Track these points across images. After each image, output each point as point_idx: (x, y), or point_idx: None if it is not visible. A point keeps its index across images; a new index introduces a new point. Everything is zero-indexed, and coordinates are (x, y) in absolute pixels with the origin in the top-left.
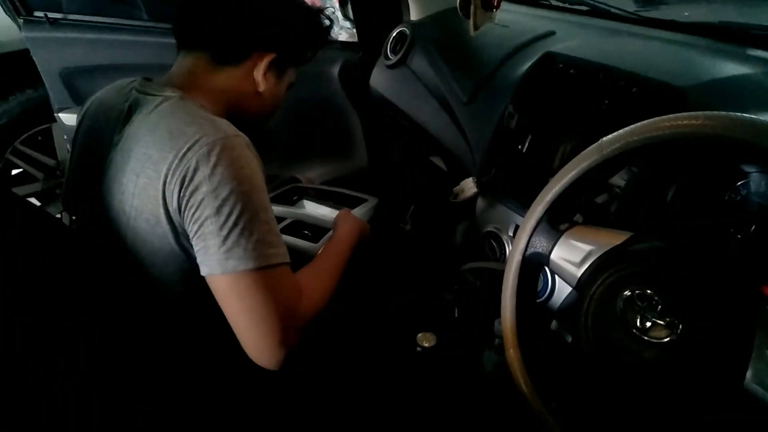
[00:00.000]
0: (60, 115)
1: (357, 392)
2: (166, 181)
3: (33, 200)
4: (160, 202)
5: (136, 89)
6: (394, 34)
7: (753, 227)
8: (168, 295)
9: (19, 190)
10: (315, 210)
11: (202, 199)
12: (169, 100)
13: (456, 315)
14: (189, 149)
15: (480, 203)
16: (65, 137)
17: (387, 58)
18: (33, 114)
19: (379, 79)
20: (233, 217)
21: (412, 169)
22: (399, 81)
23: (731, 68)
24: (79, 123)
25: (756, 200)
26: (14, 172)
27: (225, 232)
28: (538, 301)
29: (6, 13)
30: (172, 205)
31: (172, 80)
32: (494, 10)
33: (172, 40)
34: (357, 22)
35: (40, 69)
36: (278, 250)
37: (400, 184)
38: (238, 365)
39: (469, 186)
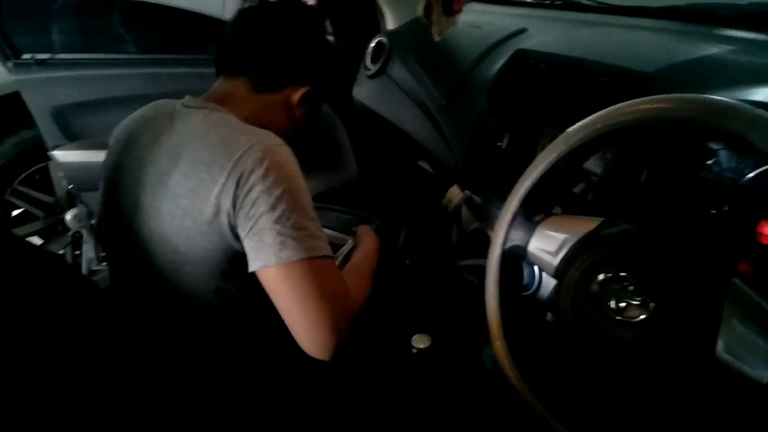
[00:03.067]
0: (54, 152)
1: (353, 393)
2: (221, 183)
3: (35, 239)
4: (212, 202)
5: (180, 103)
6: (373, 45)
7: (726, 204)
8: (205, 292)
9: (21, 230)
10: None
11: (257, 198)
12: (217, 111)
13: (452, 314)
14: (244, 154)
15: (466, 211)
16: (61, 174)
17: (367, 68)
18: (29, 154)
19: (360, 89)
20: (286, 213)
21: (402, 175)
22: (380, 90)
23: (700, 49)
24: (116, 138)
25: (729, 176)
26: (14, 213)
27: (279, 226)
28: (527, 293)
29: None
30: (226, 205)
31: (213, 97)
32: (455, 14)
33: (159, 70)
34: (336, 35)
35: (31, 110)
36: (326, 245)
37: (392, 192)
38: (244, 363)
39: (455, 194)
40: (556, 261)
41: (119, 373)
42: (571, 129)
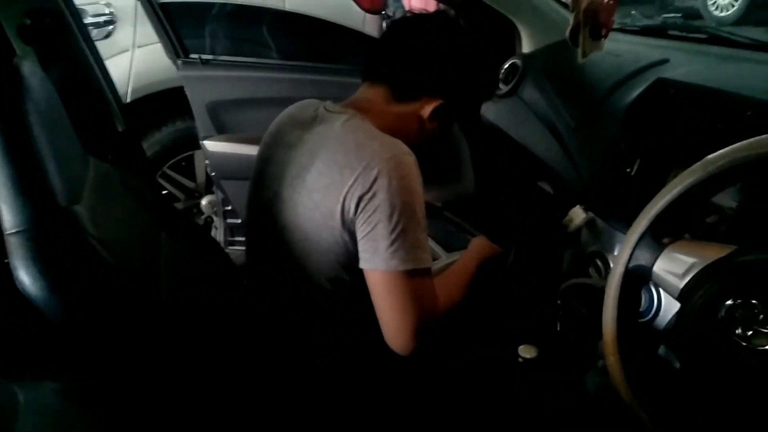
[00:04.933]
0: (204, 142)
1: (459, 399)
2: (349, 185)
3: None
4: (340, 200)
5: (324, 107)
6: (506, 66)
7: None
8: (324, 278)
9: None
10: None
11: (379, 205)
12: (355, 117)
13: (558, 329)
14: (373, 160)
15: (586, 233)
16: (206, 162)
17: (498, 88)
18: (180, 142)
19: (490, 107)
20: (402, 224)
21: (521, 193)
22: (510, 110)
23: None
24: (268, 133)
25: None
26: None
27: (394, 236)
28: (642, 320)
29: (167, 55)
30: (350, 205)
31: (354, 104)
32: (602, 38)
33: (303, 76)
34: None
35: (191, 103)
36: (428, 256)
37: (507, 210)
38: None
39: (577, 214)
40: (681, 283)
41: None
42: (711, 156)
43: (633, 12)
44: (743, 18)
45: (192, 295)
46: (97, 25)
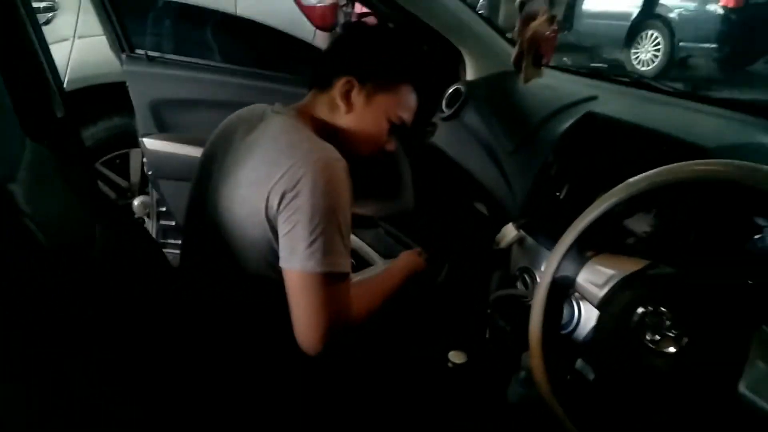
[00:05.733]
0: (143, 139)
1: (386, 400)
2: (274, 183)
3: None
4: (265, 196)
5: (271, 109)
6: (450, 91)
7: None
8: (252, 275)
9: None
10: (363, 247)
11: (300, 206)
12: (295, 119)
13: (487, 336)
14: (300, 160)
15: (516, 249)
16: (143, 160)
17: (441, 111)
18: (116, 139)
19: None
20: (321, 227)
21: (457, 213)
22: (451, 132)
23: (755, 138)
24: (215, 132)
25: None
26: None
27: (312, 237)
28: (564, 332)
29: (111, 48)
30: (273, 203)
31: (298, 107)
32: (542, 66)
33: (249, 82)
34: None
35: (133, 99)
36: (346, 261)
37: (443, 229)
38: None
39: (509, 231)
40: (601, 293)
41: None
42: (632, 179)
43: (565, 59)
44: (661, 73)
45: (123, 288)
46: (36, 10)
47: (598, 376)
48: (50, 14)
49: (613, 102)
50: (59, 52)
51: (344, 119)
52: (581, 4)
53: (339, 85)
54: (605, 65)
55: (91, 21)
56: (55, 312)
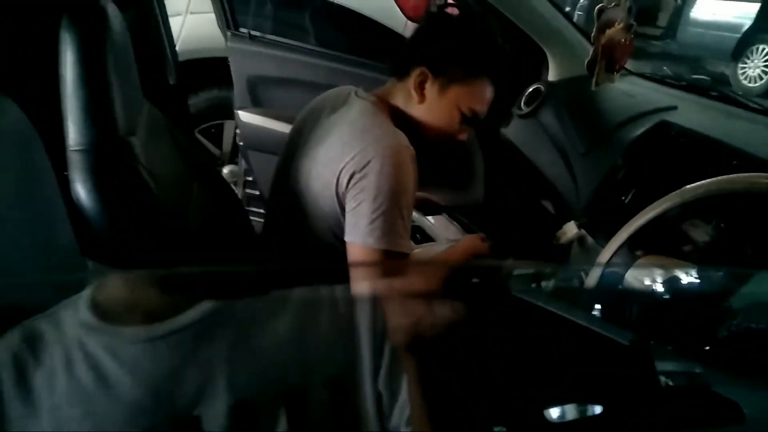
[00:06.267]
0: (239, 111)
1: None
2: (346, 163)
3: None
4: (336, 175)
5: (355, 92)
6: (530, 90)
7: None
8: (323, 245)
9: None
10: (428, 226)
11: (366, 186)
12: (374, 105)
13: None
14: (372, 144)
15: (576, 247)
16: (236, 131)
17: (519, 108)
18: (214, 110)
19: (508, 126)
20: (383, 208)
21: (524, 209)
22: (527, 130)
23: None
24: (306, 108)
25: None
26: None
27: (374, 216)
28: None
29: (218, 25)
30: (343, 182)
31: (379, 93)
32: (615, 73)
33: (340, 66)
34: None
35: (233, 73)
36: (405, 243)
37: (509, 221)
38: None
39: (570, 228)
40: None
41: None
42: (688, 186)
43: (665, 68)
44: None
45: (211, 244)
46: None
47: None
48: None
49: (693, 113)
50: (172, 26)
51: (416, 109)
52: (689, 12)
53: (414, 75)
54: (707, 78)
55: None
56: (155, 257)
